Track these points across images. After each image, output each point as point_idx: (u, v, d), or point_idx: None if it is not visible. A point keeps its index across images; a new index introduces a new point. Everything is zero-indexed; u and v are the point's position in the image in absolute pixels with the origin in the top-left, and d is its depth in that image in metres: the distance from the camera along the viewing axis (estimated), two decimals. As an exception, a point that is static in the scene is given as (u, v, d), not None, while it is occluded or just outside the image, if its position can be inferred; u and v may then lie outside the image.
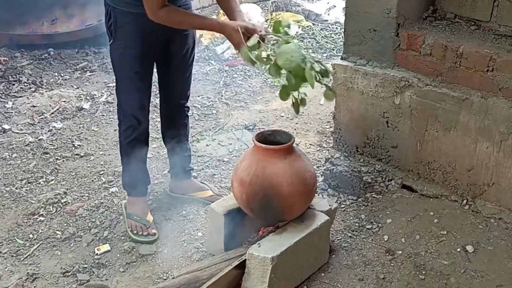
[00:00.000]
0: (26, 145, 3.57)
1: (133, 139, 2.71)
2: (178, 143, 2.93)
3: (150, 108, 2.77)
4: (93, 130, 3.77)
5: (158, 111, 3.52)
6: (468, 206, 2.85)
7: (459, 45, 2.73)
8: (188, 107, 2.92)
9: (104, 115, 3.93)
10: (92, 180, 3.23)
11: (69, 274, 2.54)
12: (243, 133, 3.72)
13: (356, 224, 2.79)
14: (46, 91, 4.21)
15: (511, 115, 2.61)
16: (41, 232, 2.81)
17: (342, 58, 3.15)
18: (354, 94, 3.09)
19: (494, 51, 2.64)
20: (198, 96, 4.17)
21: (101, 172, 3.29)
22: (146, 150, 2.84)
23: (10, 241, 2.75)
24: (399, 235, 2.71)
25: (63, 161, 3.42)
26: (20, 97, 4.14)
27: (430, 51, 2.81)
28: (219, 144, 3.60)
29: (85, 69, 4.62)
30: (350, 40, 3.08)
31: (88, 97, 4.15)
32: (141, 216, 2.79)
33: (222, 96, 4.23)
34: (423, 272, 2.49)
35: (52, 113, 3.95)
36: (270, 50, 2.23)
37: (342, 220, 2.82)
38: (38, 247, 2.72)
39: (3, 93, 4.18)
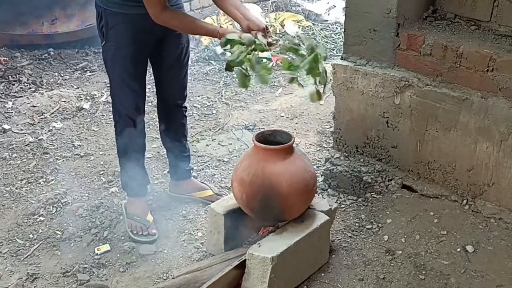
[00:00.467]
0: (26, 145, 3.57)
1: (129, 140, 2.71)
2: (177, 143, 2.93)
3: (150, 108, 2.77)
4: (93, 130, 3.77)
5: (158, 111, 3.51)
6: (468, 206, 2.85)
7: (459, 45, 2.72)
8: (185, 107, 2.92)
9: (104, 115, 3.93)
10: (92, 180, 3.23)
11: (69, 274, 2.54)
12: (243, 133, 3.72)
13: (356, 224, 2.79)
14: (46, 91, 4.21)
15: (511, 115, 2.61)
16: (41, 232, 2.81)
17: (342, 58, 3.15)
18: (354, 94, 3.09)
19: (494, 51, 2.64)
20: (198, 96, 4.17)
21: (101, 172, 3.30)
22: (143, 150, 2.84)
23: (10, 241, 2.75)
24: (399, 235, 2.71)
25: (63, 161, 3.42)
26: (20, 97, 4.15)
27: (430, 51, 2.81)
28: (219, 144, 3.60)
29: (85, 69, 4.63)
30: (350, 40, 3.08)
31: (88, 97, 4.16)
32: (141, 216, 2.79)
33: (222, 96, 4.24)
34: (423, 272, 2.48)
35: (52, 113, 3.95)
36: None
37: (342, 220, 2.82)
38: (38, 247, 2.72)
39: (3, 93, 4.18)
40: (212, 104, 4.11)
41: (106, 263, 2.61)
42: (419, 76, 2.88)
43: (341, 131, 3.24)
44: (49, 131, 3.73)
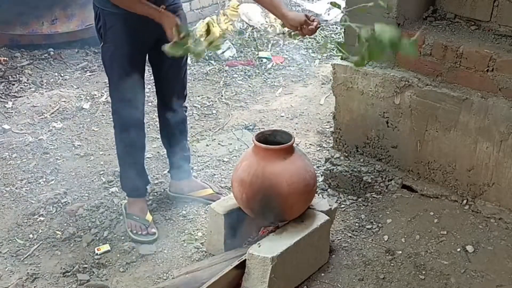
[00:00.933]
0: (26, 145, 3.57)
1: (129, 141, 2.71)
2: (177, 143, 2.93)
3: (150, 108, 2.77)
4: (93, 130, 3.77)
5: (158, 111, 3.50)
6: (468, 206, 2.85)
7: (459, 45, 2.72)
8: (186, 107, 2.92)
9: (104, 115, 3.93)
10: (92, 180, 3.23)
11: (69, 274, 2.54)
12: (243, 133, 3.72)
13: (356, 224, 2.79)
14: (46, 91, 4.21)
15: (511, 115, 2.61)
16: (41, 232, 2.81)
17: (342, 58, 3.15)
18: (354, 94, 3.09)
19: (494, 51, 2.64)
20: (198, 96, 4.17)
21: (101, 172, 3.29)
22: (143, 151, 2.84)
23: (10, 241, 2.75)
24: (399, 235, 2.71)
25: (63, 161, 3.42)
26: (20, 97, 4.14)
27: (430, 51, 2.81)
28: (219, 144, 3.60)
29: (85, 69, 4.62)
30: (350, 40, 3.08)
31: (88, 97, 4.15)
32: (140, 216, 2.79)
33: (222, 96, 4.23)
34: (423, 272, 2.48)
35: (52, 113, 3.95)
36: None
37: (342, 220, 2.82)
38: (38, 247, 2.72)
39: (3, 93, 4.18)
40: (212, 104, 4.11)
41: (106, 263, 2.61)
42: (419, 76, 2.88)
43: (341, 131, 3.24)
44: (49, 131, 3.73)
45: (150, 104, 3.66)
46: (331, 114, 3.34)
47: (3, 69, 4.47)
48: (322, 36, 5.23)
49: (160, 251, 2.68)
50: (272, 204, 2.33)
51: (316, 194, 2.54)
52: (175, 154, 2.96)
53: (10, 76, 4.39)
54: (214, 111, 4.02)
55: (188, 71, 2.86)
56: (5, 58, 4.64)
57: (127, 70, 2.57)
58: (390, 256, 2.58)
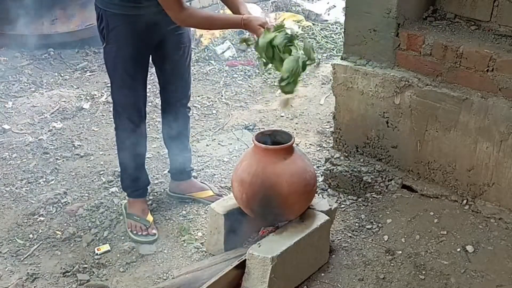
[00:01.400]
0: (26, 145, 3.57)
1: (130, 142, 2.71)
2: (179, 143, 2.93)
3: (150, 108, 2.77)
4: (93, 130, 3.77)
5: (158, 111, 3.51)
6: (468, 206, 2.85)
7: (459, 45, 2.72)
8: (189, 108, 2.92)
9: (104, 115, 3.93)
10: (92, 180, 3.23)
11: (69, 274, 2.54)
12: (243, 133, 3.72)
13: (356, 224, 2.79)
14: (46, 91, 4.21)
15: (511, 115, 2.61)
16: (41, 232, 2.81)
17: (342, 58, 3.15)
18: (354, 94, 3.09)
19: (494, 51, 2.64)
20: (198, 96, 4.17)
21: (101, 172, 3.30)
22: (144, 151, 2.84)
23: (10, 241, 2.75)
24: (399, 235, 2.71)
25: (63, 161, 3.42)
26: (20, 97, 4.15)
27: (430, 51, 2.81)
28: (219, 144, 3.60)
29: (85, 69, 4.63)
30: (350, 40, 3.08)
31: (88, 97, 4.16)
32: (141, 216, 2.79)
33: (222, 96, 4.23)
34: (423, 272, 2.48)
35: (52, 113, 3.95)
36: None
37: (342, 220, 2.82)
38: (38, 247, 2.72)
39: (3, 93, 4.18)
40: (212, 104, 4.11)
41: (106, 263, 2.61)
42: (419, 76, 2.88)
43: (341, 131, 3.24)
44: (49, 131, 3.73)
45: (149, 104, 3.66)
46: (331, 114, 3.34)
47: (3, 69, 4.47)
48: (322, 36, 5.23)
49: (160, 251, 2.68)
50: (272, 204, 2.33)
51: (316, 194, 2.54)
52: (176, 155, 2.96)
53: (10, 76, 4.40)
54: (214, 111, 4.02)
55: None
56: (5, 58, 4.64)
57: (130, 71, 2.56)
58: (390, 256, 2.58)
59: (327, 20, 5.58)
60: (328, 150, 3.43)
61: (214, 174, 3.27)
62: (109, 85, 2.71)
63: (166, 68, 2.71)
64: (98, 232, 2.79)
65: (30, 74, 4.46)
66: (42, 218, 2.91)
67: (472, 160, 2.80)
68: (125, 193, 2.90)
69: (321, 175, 3.13)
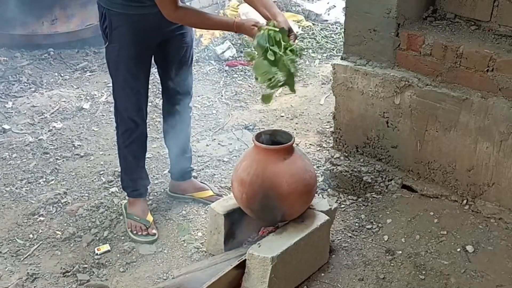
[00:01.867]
0: (26, 145, 3.57)
1: (131, 142, 2.71)
2: (180, 143, 2.93)
3: (150, 108, 2.76)
4: (93, 130, 3.77)
5: (158, 111, 3.51)
6: (468, 206, 2.85)
7: (459, 45, 2.72)
8: (191, 108, 2.92)
9: (104, 115, 3.93)
10: (92, 180, 3.23)
11: (69, 274, 2.54)
12: (243, 133, 3.72)
13: (356, 224, 2.79)
14: (46, 91, 4.21)
15: (511, 115, 2.61)
16: (41, 232, 2.81)
17: (342, 58, 3.15)
18: (354, 94, 3.09)
19: (494, 51, 2.64)
20: (198, 96, 4.16)
21: (101, 172, 3.29)
22: (144, 151, 2.84)
23: (10, 241, 2.75)
24: (399, 235, 2.71)
25: (63, 161, 3.42)
26: (20, 97, 4.14)
27: (430, 51, 2.81)
28: (219, 144, 3.60)
29: (85, 69, 4.63)
30: (350, 40, 3.08)
31: (88, 97, 4.16)
32: (141, 216, 2.79)
33: (222, 96, 4.23)
34: (423, 272, 2.48)
35: (52, 113, 3.95)
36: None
37: (342, 220, 2.82)
38: (38, 247, 2.72)
39: (3, 93, 4.18)
40: (212, 104, 4.11)
41: (106, 263, 2.61)
42: (419, 76, 2.88)
43: (341, 131, 3.24)
44: (49, 131, 3.73)
45: (150, 104, 3.65)
46: (331, 114, 3.34)
47: (3, 69, 4.47)
48: (322, 36, 5.23)
49: (160, 251, 2.68)
50: (272, 204, 2.33)
51: (316, 194, 2.54)
52: (177, 155, 2.96)
53: (10, 76, 4.39)
54: (214, 111, 4.02)
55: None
56: (5, 58, 4.64)
57: (133, 70, 2.56)
58: (390, 256, 2.58)
59: (327, 20, 5.58)
60: (328, 150, 3.42)
61: (214, 174, 3.27)
62: (109, 85, 2.72)
63: (169, 67, 2.71)
64: (98, 232, 2.79)
65: (30, 74, 4.46)
66: (42, 218, 2.91)
67: (472, 160, 2.80)
68: (125, 193, 2.90)
69: (321, 175, 3.13)
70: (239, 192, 2.38)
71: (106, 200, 3.03)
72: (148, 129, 3.25)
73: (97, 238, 2.76)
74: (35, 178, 3.24)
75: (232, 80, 4.46)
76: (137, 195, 2.85)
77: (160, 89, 2.89)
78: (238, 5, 5.41)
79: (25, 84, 4.31)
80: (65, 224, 2.86)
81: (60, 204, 3.01)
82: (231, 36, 5.00)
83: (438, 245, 2.64)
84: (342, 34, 3.61)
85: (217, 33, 5.00)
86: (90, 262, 2.61)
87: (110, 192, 3.10)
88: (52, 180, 3.23)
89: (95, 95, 4.19)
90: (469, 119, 2.74)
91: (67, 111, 3.97)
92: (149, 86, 2.96)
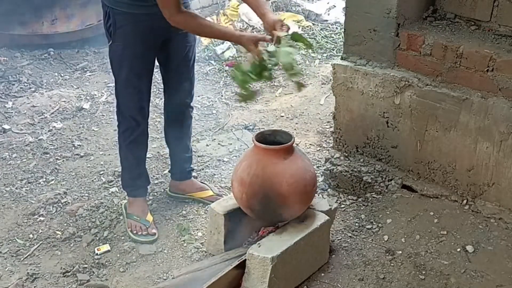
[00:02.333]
0: (26, 145, 3.57)
1: (132, 141, 2.71)
2: (181, 143, 2.93)
3: (150, 108, 2.76)
4: (93, 130, 3.77)
5: (158, 111, 3.51)
6: (468, 206, 2.85)
7: (459, 45, 2.72)
8: (192, 107, 2.92)
9: (104, 115, 3.94)
10: (92, 180, 3.23)
11: (69, 274, 2.54)
12: (243, 133, 3.72)
13: (356, 224, 2.79)
14: (46, 91, 4.21)
15: (511, 115, 2.61)
16: (41, 232, 2.81)
17: (342, 58, 3.15)
18: (354, 94, 3.09)
19: (494, 51, 2.64)
20: (198, 96, 4.16)
21: (101, 172, 3.30)
22: (145, 151, 2.84)
23: (10, 241, 2.75)
24: (399, 235, 2.71)
25: (63, 161, 3.42)
26: (20, 97, 4.15)
27: (430, 51, 2.81)
28: (219, 144, 3.60)
29: (85, 69, 4.63)
30: (350, 40, 3.08)
31: (88, 97, 4.16)
32: (141, 216, 2.79)
33: (222, 96, 4.24)
34: (423, 272, 2.48)
35: (52, 113, 3.95)
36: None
37: (342, 220, 2.82)
38: (38, 247, 2.72)
39: (3, 93, 4.18)
40: (212, 104, 4.11)
41: (106, 263, 2.61)
42: (419, 76, 2.88)
43: (341, 131, 3.24)
44: (49, 131, 3.73)
45: (150, 104, 3.65)
46: (331, 114, 3.34)
47: (3, 69, 4.47)
48: (322, 36, 5.23)
49: (160, 251, 2.68)
50: (272, 204, 2.33)
51: (316, 194, 2.54)
52: (177, 155, 2.96)
53: (10, 76, 4.39)
54: (214, 111, 4.02)
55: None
56: (5, 58, 4.64)
57: (136, 70, 2.57)
58: (390, 256, 2.58)
59: (327, 20, 5.58)
60: (328, 150, 3.43)
61: (214, 174, 3.27)
62: (110, 85, 2.72)
63: (171, 67, 2.71)
64: (98, 232, 2.79)
65: (30, 74, 4.46)
66: (42, 218, 2.91)
67: (472, 160, 2.80)
68: (125, 193, 2.90)
69: (321, 175, 3.13)
70: (239, 192, 2.38)
71: (106, 200, 3.03)
72: (148, 129, 3.25)
73: (97, 238, 2.76)
74: (35, 178, 3.25)
75: (232, 80, 4.46)
76: (137, 195, 2.86)
77: (161, 89, 2.90)
78: (238, 5, 5.41)
79: (25, 84, 4.31)
80: (65, 224, 2.86)
81: (60, 204, 3.01)
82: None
83: (438, 245, 2.64)
84: (342, 34, 3.61)
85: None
86: (90, 262, 2.61)
87: (110, 192, 3.11)
88: (52, 180, 3.23)
89: (95, 95, 4.19)
90: (469, 119, 2.74)
91: (67, 111, 3.97)
92: (151, 86, 2.95)
